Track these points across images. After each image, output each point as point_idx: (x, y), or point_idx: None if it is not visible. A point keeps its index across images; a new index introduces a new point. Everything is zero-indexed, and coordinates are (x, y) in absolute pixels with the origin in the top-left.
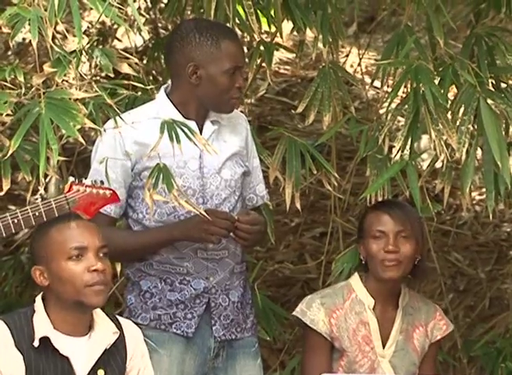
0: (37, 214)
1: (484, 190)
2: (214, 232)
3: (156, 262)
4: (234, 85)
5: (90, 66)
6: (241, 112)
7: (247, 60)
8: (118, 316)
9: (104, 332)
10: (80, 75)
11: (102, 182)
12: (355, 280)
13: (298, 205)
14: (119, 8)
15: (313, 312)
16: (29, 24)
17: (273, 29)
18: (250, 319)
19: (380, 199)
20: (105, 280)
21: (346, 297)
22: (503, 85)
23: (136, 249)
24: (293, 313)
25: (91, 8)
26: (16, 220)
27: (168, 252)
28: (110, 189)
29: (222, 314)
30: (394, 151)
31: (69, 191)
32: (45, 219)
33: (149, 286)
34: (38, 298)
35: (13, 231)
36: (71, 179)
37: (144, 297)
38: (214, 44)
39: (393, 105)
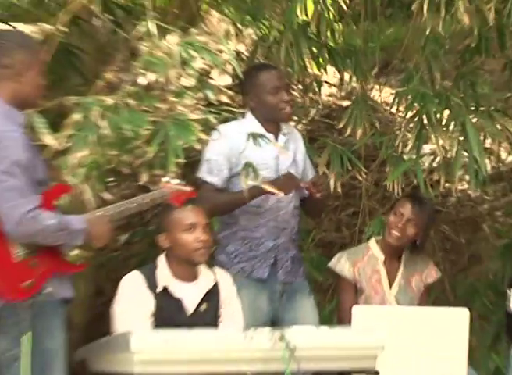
0: (148, 200)
1: (464, 182)
2: (290, 184)
3: (240, 230)
4: (281, 100)
5: (198, 97)
6: (298, 129)
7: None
8: (215, 267)
9: (205, 279)
10: (195, 103)
11: (184, 183)
12: (372, 242)
13: (339, 190)
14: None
15: (341, 263)
16: (156, 68)
17: (319, 71)
18: (301, 269)
19: (397, 187)
20: (207, 247)
21: (365, 253)
22: (481, 108)
23: (234, 201)
24: (328, 265)
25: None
26: (140, 204)
27: (248, 222)
28: (189, 187)
29: (284, 265)
30: (406, 153)
31: (164, 186)
32: (156, 203)
33: (235, 248)
34: (161, 257)
35: (141, 210)
36: (164, 179)
37: (231, 256)
38: (258, 76)
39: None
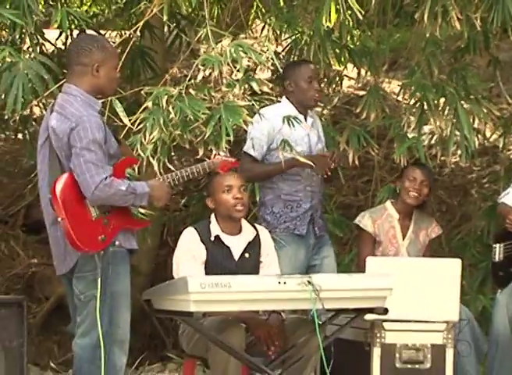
0: (201, 169)
1: (457, 155)
2: (322, 161)
3: (282, 194)
4: (312, 88)
5: (245, 87)
6: (323, 113)
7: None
8: (255, 224)
9: (247, 232)
10: (242, 92)
11: (228, 153)
12: (388, 204)
13: (357, 162)
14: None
15: (365, 220)
16: (212, 64)
17: (340, 67)
18: (325, 226)
19: (404, 160)
20: (243, 203)
21: (383, 212)
22: (471, 96)
23: (272, 170)
24: (354, 221)
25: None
26: (193, 172)
27: (290, 187)
28: (233, 158)
29: (317, 221)
30: (409, 133)
31: (214, 157)
32: (207, 172)
33: (279, 209)
34: (212, 215)
35: (195, 177)
36: (214, 152)
37: (276, 216)
38: (298, 68)
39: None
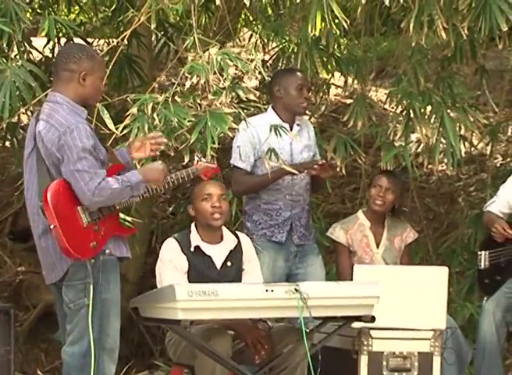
0: (185, 175)
1: (443, 164)
2: (307, 167)
3: (262, 203)
4: (301, 96)
5: (232, 96)
6: (310, 122)
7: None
8: (236, 232)
9: (229, 241)
10: (230, 100)
11: (215, 161)
12: (359, 213)
13: (344, 170)
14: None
15: (336, 232)
16: (199, 72)
17: (327, 75)
18: (312, 234)
19: (390, 168)
20: (221, 212)
21: (355, 222)
22: (457, 104)
23: (261, 182)
24: (327, 234)
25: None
26: (178, 178)
27: (269, 196)
28: (215, 164)
29: (298, 230)
30: (396, 141)
31: (197, 164)
32: (191, 177)
33: (259, 217)
34: (192, 224)
35: (179, 183)
36: (196, 158)
37: (256, 224)
38: (289, 74)
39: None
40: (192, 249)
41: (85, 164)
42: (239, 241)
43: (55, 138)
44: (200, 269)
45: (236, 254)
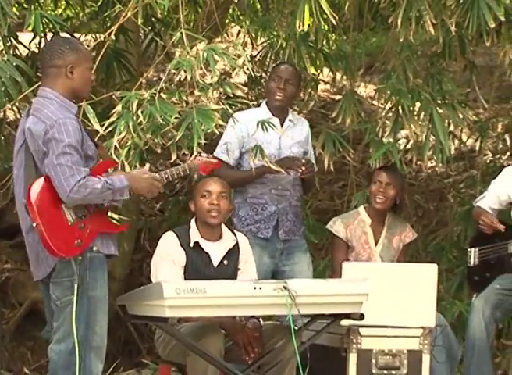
0: (181, 170)
1: (433, 160)
2: (292, 165)
3: (248, 198)
4: (276, 87)
5: (220, 92)
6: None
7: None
8: (234, 230)
9: (228, 239)
10: (218, 96)
11: (213, 155)
12: (361, 208)
13: (332, 167)
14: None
15: (336, 225)
16: (185, 68)
17: (316, 71)
18: (301, 230)
19: (379, 165)
20: (218, 210)
21: (356, 218)
22: (446, 101)
23: (245, 177)
24: (326, 226)
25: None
26: (173, 174)
27: (255, 191)
28: (215, 159)
29: (284, 225)
30: (385, 137)
31: (194, 159)
32: (187, 173)
33: (245, 213)
34: (193, 220)
35: (174, 178)
36: (195, 153)
37: (241, 219)
38: (274, 69)
39: (383, 113)
40: (191, 245)
41: (69, 159)
42: (237, 240)
43: (42, 131)
44: (198, 266)
45: (233, 253)
